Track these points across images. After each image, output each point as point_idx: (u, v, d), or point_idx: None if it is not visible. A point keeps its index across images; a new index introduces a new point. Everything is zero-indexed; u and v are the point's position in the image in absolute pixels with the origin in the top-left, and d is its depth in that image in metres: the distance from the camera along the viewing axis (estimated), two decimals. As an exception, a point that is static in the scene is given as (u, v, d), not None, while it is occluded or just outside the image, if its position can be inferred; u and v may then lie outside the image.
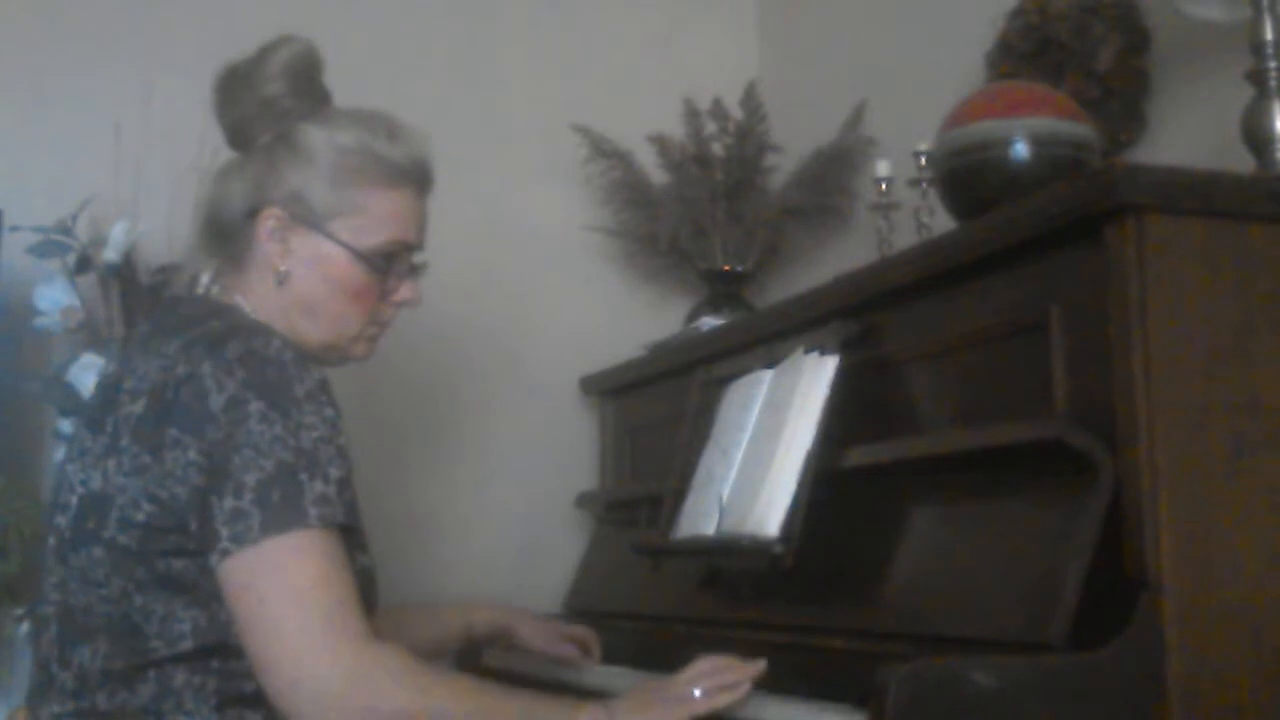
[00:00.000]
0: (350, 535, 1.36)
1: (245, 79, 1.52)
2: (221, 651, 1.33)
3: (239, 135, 1.54)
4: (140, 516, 1.32)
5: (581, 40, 2.90)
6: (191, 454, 1.30)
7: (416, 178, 1.55)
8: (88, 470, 1.37)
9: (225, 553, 1.28)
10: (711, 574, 1.96)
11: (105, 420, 1.37)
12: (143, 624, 1.32)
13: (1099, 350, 1.39)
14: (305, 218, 1.49)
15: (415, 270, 1.58)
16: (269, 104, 1.51)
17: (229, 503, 1.28)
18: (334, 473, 1.32)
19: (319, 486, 1.30)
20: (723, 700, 1.41)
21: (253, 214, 1.49)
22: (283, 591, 1.28)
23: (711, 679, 1.42)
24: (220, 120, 1.55)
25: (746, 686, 1.43)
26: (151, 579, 1.32)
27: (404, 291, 1.56)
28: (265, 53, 1.53)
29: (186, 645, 1.32)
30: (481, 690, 1.38)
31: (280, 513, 1.28)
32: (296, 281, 1.49)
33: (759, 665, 1.45)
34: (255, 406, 1.30)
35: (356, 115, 1.54)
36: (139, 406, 1.34)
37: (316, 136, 1.50)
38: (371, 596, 1.42)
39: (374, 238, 1.51)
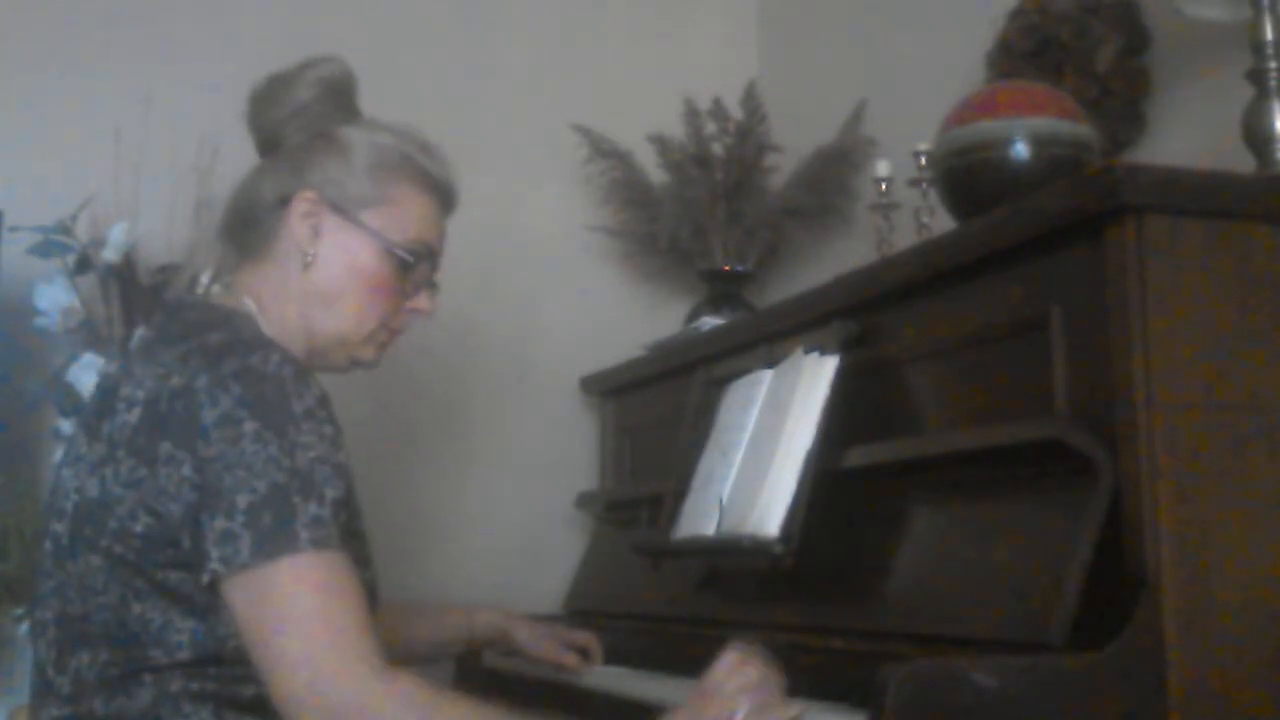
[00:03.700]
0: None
1: (282, 85, 1.55)
2: (219, 660, 1.31)
3: (271, 140, 1.55)
4: (138, 528, 1.31)
5: (581, 40, 2.91)
6: (185, 470, 1.28)
7: (444, 193, 1.59)
8: (84, 477, 1.36)
9: (215, 574, 1.26)
10: (711, 574, 1.96)
11: (101, 427, 1.36)
12: (140, 632, 1.31)
13: (1099, 350, 1.39)
14: (339, 204, 1.50)
15: (433, 283, 1.59)
16: (302, 109, 1.53)
17: (219, 523, 1.26)
18: (329, 493, 1.30)
19: (313, 509, 1.28)
20: None
21: (285, 200, 1.50)
22: (283, 618, 1.25)
23: (755, 697, 1.33)
24: (253, 126, 1.57)
25: (794, 711, 1.35)
26: (149, 589, 1.31)
27: (421, 300, 1.57)
28: (305, 65, 1.56)
29: (184, 654, 1.31)
30: None
31: (271, 537, 1.25)
32: (321, 267, 1.49)
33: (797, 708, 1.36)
34: (250, 426, 1.28)
35: (393, 125, 1.57)
36: (134, 416, 1.33)
37: (355, 134, 1.54)
38: (371, 609, 1.41)
39: (403, 233, 1.52)
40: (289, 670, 1.25)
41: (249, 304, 1.49)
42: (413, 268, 1.54)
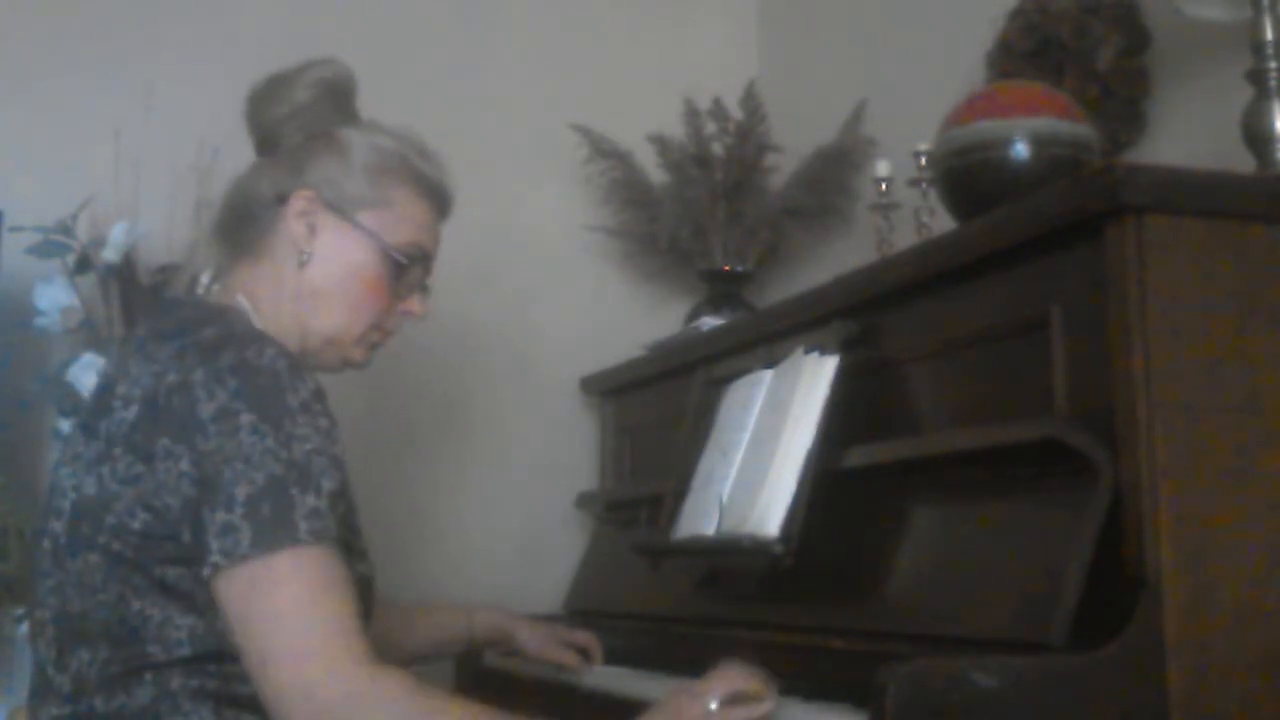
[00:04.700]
0: (345, 546, 1.35)
1: (282, 85, 1.55)
2: (219, 657, 1.32)
3: (269, 139, 1.56)
4: (136, 524, 1.31)
5: (581, 40, 2.91)
6: (184, 464, 1.29)
7: (440, 198, 1.59)
8: (81, 475, 1.36)
9: (216, 566, 1.27)
10: (711, 574, 1.96)
11: (98, 425, 1.36)
12: (140, 629, 1.31)
13: (1099, 350, 1.39)
14: (336, 204, 1.50)
15: (425, 286, 1.59)
16: (302, 110, 1.54)
17: (220, 516, 1.26)
18: (326, 485, 1.30)
19: (310, 500, 1.28)
20: (739, 716, 1.36)
21: (282, 198, 1.50)
22: (276, 612, 1.26)
23: (732, 686, 1.37)
24: (252, 125, 1.57)
25: (767, 706, 1.38)
26: (148, 585, 1.31)
27: (413, 303, 1.58)
28: (304, 66, 1.56)
29: (184, 651, 1.31)
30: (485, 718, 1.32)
31: (270, 529, 1.26)
32: (316, 266, 1.50)
33: (769, 699, 1.40)
34: (247, 418, 1.28)
35: (392, 129, 1.58)
36: (131, 413, 1.33)
37: (354, 136, 1.54)
38: (368, 605, 1.40)
39: (398, 235, 1.53)
40: (278, 665, 1.25)
41: (242, 301, 1.49)
42: (407, 270, 1.54)
